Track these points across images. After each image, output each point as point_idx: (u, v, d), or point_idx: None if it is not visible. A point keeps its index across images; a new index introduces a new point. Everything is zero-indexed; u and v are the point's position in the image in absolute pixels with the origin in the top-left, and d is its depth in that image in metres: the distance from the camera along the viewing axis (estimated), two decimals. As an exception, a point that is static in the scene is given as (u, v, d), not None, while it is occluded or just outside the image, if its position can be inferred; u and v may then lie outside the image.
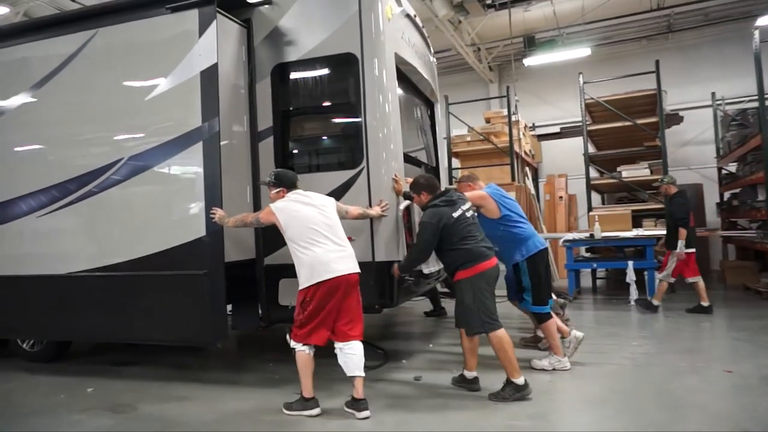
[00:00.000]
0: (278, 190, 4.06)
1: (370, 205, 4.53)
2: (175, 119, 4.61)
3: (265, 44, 4.91)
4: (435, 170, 6.50)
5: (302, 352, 3.85)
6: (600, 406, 3.91)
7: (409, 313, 7.95)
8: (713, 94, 11.30)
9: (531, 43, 11.47)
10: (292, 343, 3.89)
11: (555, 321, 4.79)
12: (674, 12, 11.59)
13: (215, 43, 4.43)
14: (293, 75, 4.93)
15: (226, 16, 4.74)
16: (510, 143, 10.07)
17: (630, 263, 7.84)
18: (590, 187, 10.12)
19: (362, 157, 4.60)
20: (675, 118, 10.95)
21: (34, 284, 5.14)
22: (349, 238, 4.12)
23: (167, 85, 4.62)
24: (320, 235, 3.82)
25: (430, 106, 6.69)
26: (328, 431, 3.64)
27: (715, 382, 4.33)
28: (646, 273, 7.93)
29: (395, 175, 4.68)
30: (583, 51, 11.31)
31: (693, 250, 7.01)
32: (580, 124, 10.09)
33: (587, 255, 10.18)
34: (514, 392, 3.95)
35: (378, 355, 5.25)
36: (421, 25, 5.93)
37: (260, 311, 4.86)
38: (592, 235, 8.47)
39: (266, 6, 4.92)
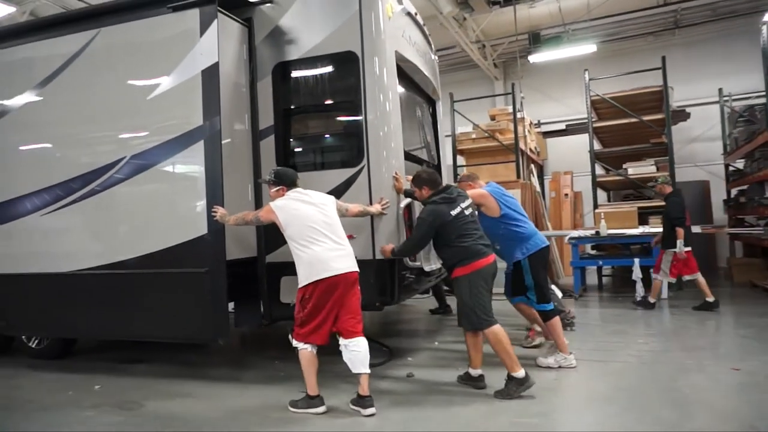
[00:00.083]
0: (278, 188, 4.07)
1: (371, 204, 4.54)
2: (177, 118, 4.64)
3: (266, 43, 4.92)
4: (437, 168, 6.49)
5: (305, 350, 3.87)
6: (606, 403, 3.89)
7: (414, 310, 7.95)
8: (720, 90, 11.22)
9: (536, 39, 11.42)
10: (294, 342, 3.91)
11: (558, 320, 4.78)
12: (681, 7, 11.50)
13: (216, 42, 4.45)
14: (294, 73, 4.95)
15: (227, 15, 4.76)
16: (515, 140, 10.03)
17: (636, 260, 7.82)
18: (596, 184, 10.08)
19: (363, 156, 4.61)
20: (681, 115, 10.89)
21: (37, 282, 5.19)
22: (350, 236, 4.14)
23: (169, 84, 4.65)
24: (319, 234, 3.83)
25: (431, 104, 6.69)
26: (334, 429, 3.65)
27: (722, 379, 4.31)
28: (652, 270, 7.89)
29: (396, 173, 4.69)
30: (588, 47, 11.26)
31: (689, 248, 7.03)
32: (586, 121, 10.04)
33: (593, 252, 10.13)
34: (517, 387, 3.95)
35: (382, 352, 5.25)
36: (422, 23, 5.92)
37: (262, 309, 4.88)
38: (597, 233, 8.45)
39: (267, 5, 4.93)
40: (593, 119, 10.07)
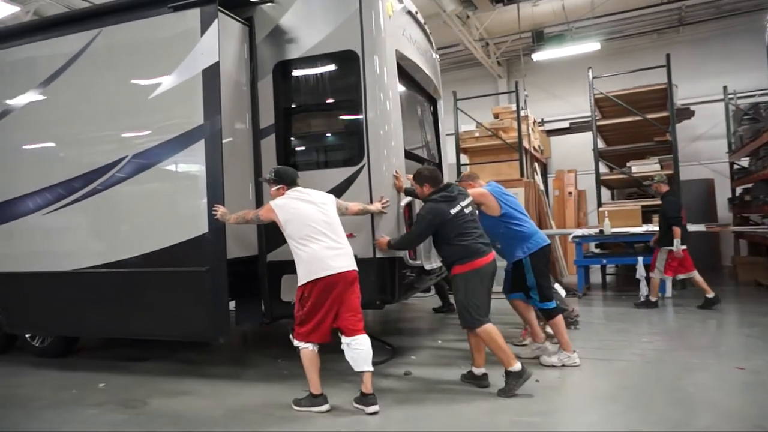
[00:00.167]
0: (278, 187, 4.08)
1: (371, 203, 4.55)
2: (178, 117, 4.66)
3: (267, 42, 4.93)
4: (438, 167, 6.49)
5: (306, 349, 3.87)
6: (609, 402, 3.88)
7: (417, 309, 7.95)
8: (725, 87, 11.15)
9: (540, 37, 11.39)
10: (295, 342, 3.91)
11: (561, 319, 4.78)
12: (685, 5, 11.45)
13: (217, 42, 4.46)
14: (295, 72, 4.97)
15: (228, 15, 4.77)
16: (519, 139, 10.01)
17: (640, 259, 7.77)
18: (600, 182, 10.04)
19: (363, 154, 4.62)
20: (686, 113, 10.83)
21: (40, 281, 5.23)
22: (350, 235, 4.13)
23: (170, 83, 4.67)
24: (318, 233, 3.83)
25: (432, 102, 6.69)
26: (337, 427, 3.65)
27: (727, 378, 4.28)
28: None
29: (396, 172, 4.70)
30: (592, 45, 11.21)
31: (685, 247, 7.05)
32: (590, 119, 10.00)
33: (597, 251, 10.12)
34: (516, 380, 3.96)
35: (385, 350, 5.26)
36: (423, 21, 5.92)
37: (263, 307, 4.89)
38: (601, 231, 8.42)
39: (268, 4, 4.94)
40: (597, 117, 10.04)
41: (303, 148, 5.24)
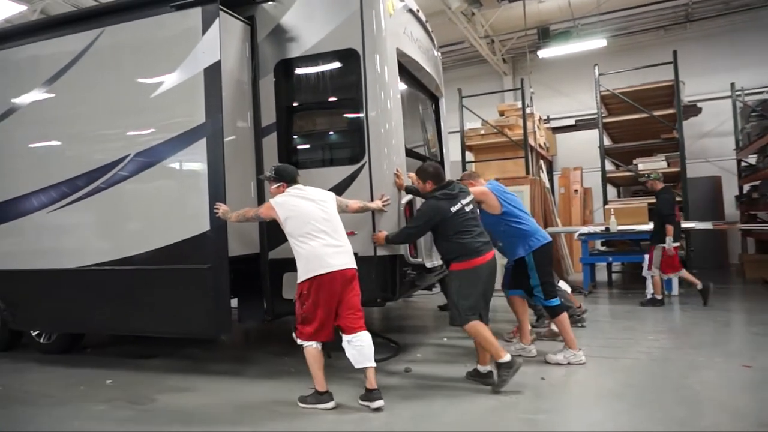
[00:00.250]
0: (278, 185, 4.10)
1: (372, 201, 4.56)
2: (180, 116, 4.69)
3: (269, 41, 4.95)
4: (440, 165, 6.50)
5: (310, 347, 3.89)
6: (615, 400, 3.87)
7: (422, 307, 7.96)
8: (732, 84, 11.07)
9: (545, 34, 11.36)
10: (299, 341, 3.93)
11: (566, 316, 4.77)
12: (692, 1, 11.38)
13: (218, 41, 4.48)
14: (296, 71, 4.99)
15: (230, 14, 4.79)
16: (524, 136, 9.98)
17: (646, 257, 7.74)
18: (606, 180, 10.00)
19: (364, 153, 4.63)
20: (693, 110, 10.77)
21: (44, 278, 5.28)
22: (351, 233, 4.14)
23: (172, 82, 4.71)
24: (318, 230, 3.85)
25: (434, 100, 6.69)
26: (344, 424, 3.66)
27: (734, 377, 4.26)
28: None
29: (397, 170, 4.70)
30: (598, 42, 11.17)
31: (678, 244, 7.09)
32: (596, 116, 9.96)
33: (603, 249, 10.08)
34: (507, 371, 3.98)
35: (390, 348, 5.26)
36: (424, 19, 5.91)
37: (265, 305, 4.91)
38: (607, 229, 8.39)
39: (269, 3, 4.96)
40: (603, 114, 9.99)
41: (304, 146, 5.26)
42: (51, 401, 4.38)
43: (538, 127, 11.08)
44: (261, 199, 4.88)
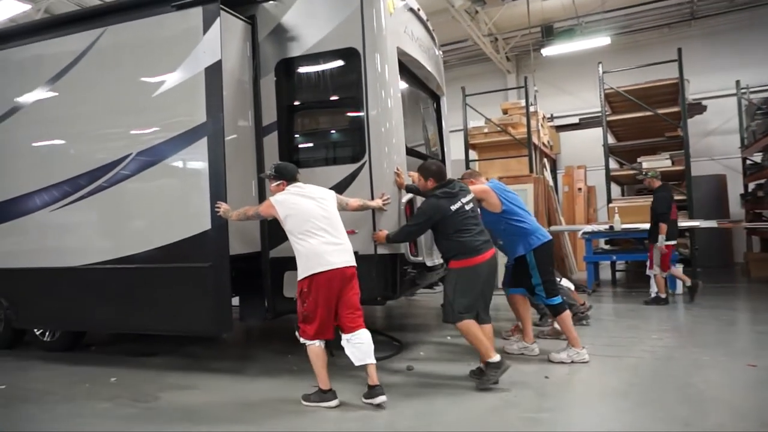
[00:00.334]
0: (278, 183, 4.10)
1: (372, 199, 4.57)
2: (181, 115, 4.71)
3: (269, 40, 4.96)
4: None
5: (312, 345, 3.90)
6: (618, 399, 3.86)
7: (425, 305, 7.95)
8: (737, 82, 11.01)
9: (549, 32, 11.32)
10: (302, 340, 3.94)
11: (569, 314, 4.77)
12: (697, -2, 11.34)
13: (219, 40, 4.49)
14: (297, 70, 5.00)
15: (231, 13, 4.80)
16: (528, 134, 9.95)
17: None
18: (610, 178, 9.97)
19: (365, 151, 4.63)
20: (698, 108, 10.72)
21: (47, 276, 5.31)
22: (352, 231, 4.14)
23: (173, 81, 4.72)
24: (317, 228, 3.86)
25: (436, 99, 6.68)
26: (347, 422, 3.66)
27: (738, 376, 4.24)
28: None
29: (397, 169, 4.70)
30: (602, 40, 11.14)
31: (674, 242, 7.12)
32: (600, 114, 9.92)
33: (606, 247, 10.06)
34: (494, 371, 3.99)
35: (392, 346, 5.26)
36: (425, 18, 5.91)
37: (266, 303, 4.92)
38: (611, 227, 8.37)
39: (270, 2, 4.96)
40: (607, 113, 9.95)
41: (305, 145, 5.27)
42: (55, 399, 4.40)
43: (541, 125, 11.05)
44: (262, 197, 4.90)
